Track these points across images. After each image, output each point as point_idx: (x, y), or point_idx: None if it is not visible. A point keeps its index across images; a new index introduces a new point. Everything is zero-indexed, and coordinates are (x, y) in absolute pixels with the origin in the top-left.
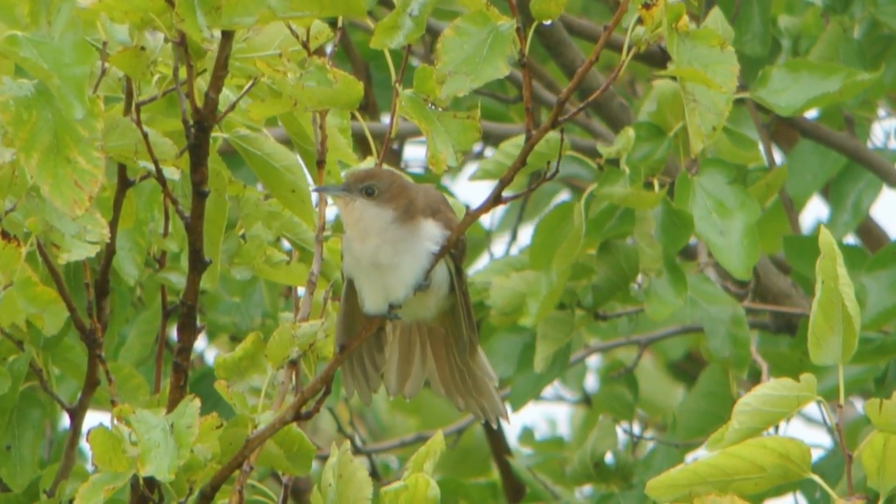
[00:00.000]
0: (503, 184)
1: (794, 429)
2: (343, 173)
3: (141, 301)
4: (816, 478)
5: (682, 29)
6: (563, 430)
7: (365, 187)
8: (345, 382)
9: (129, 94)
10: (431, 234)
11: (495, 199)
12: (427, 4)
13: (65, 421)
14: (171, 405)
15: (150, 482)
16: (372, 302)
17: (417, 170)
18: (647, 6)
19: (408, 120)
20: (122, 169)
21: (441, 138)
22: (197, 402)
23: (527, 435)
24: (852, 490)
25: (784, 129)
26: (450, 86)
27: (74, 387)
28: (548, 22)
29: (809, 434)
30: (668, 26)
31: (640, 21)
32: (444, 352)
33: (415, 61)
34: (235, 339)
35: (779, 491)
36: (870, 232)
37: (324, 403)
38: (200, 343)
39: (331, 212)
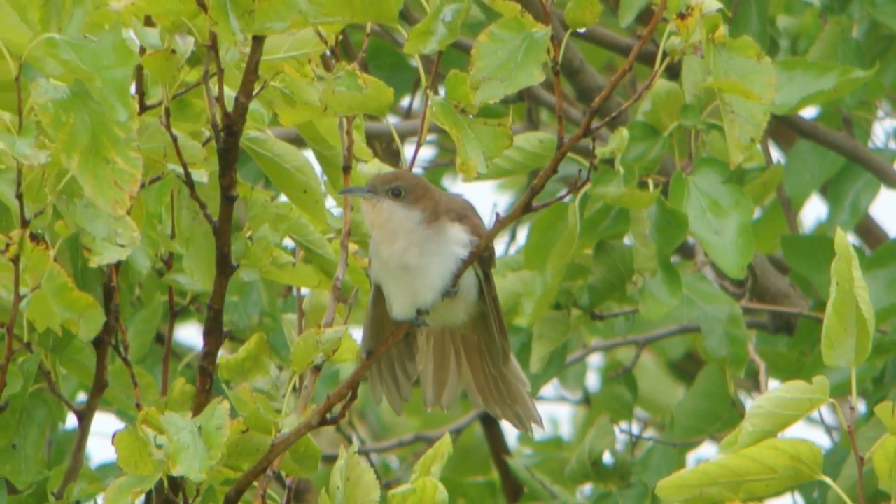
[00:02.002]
0: (533, 192)
1: (793, 428)
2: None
3: (140, 300)
4: (828, 479)
5: (718, 40)
6: (566, 430)
7: (392, 188)
8: (373, 389)
9: (142, 96)
10: (459, 238)
11: (524, 207)
12: (460, 11)
13: (66, 422)
14: (198, 409)
15: (175, 486)
16: (400, 307)
17: (416, 170)
18: (682, 16)
19: (409, 119)
20: None
21: (472, 145)
22: (226, 405)
23: (526, 435)
24: (863, 492)
25: (783, 130)
26: (484, 91)
27: (74, 386)
28: (583, 30)
29: (805, 433)
30: (706, 37)
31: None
32: (478, 361)
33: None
34: (234, 338)
35: (777, 491)
36: (870, 231)
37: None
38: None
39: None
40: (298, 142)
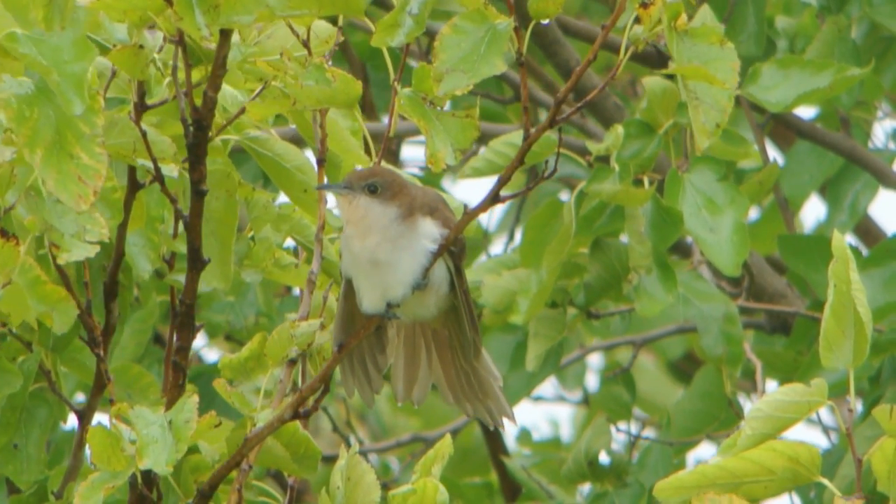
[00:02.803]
0: (501, 182)
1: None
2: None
3: (138, 301)
4: (825, 481)
5: (680, 27)
6: (566, 430)
7: (368, 185)
8: (345, 382)
9: (142, 97)
10: (429, 232)
11: (494, 198)
12: (427, 3)
13: (67, 422)
14: (170, 403)
15: (149, 481)
16: (370, 301)
17: (414, 170)
18: (644, 5)
19: (406, 119)
20: (131, 171)
21: (440, 137)
22: (195, 398)
23: (524, 436)
24: (861, 494)
25: (782, 130)
26: (447, 83)
27: (73, 384)
28: (545, 21)
29: (803, 433)
30: (668, 25)
31: (637, 20)
32: (449, 355)
33: (413, 63)
34: (231, 338)
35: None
36: (869, 232)
37: (322, 402)
38: (199, 341)
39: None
40: (297, 142)
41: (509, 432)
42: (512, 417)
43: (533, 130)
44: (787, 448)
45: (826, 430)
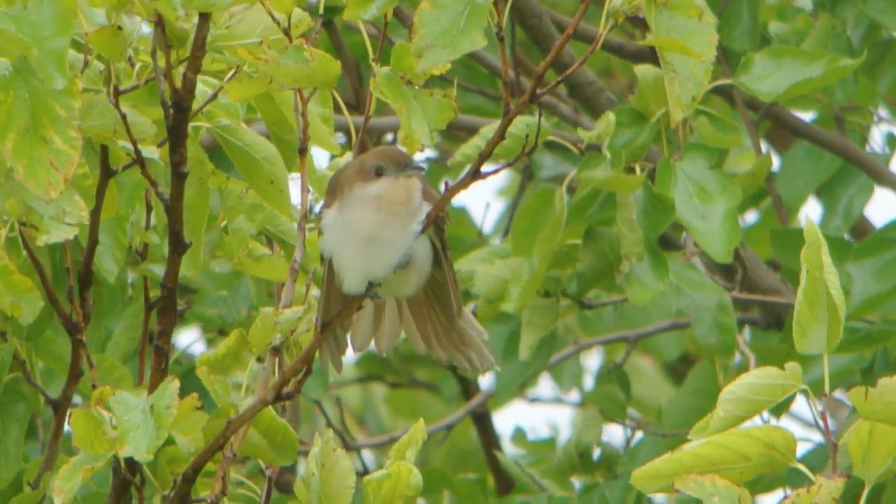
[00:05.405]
0: (482, 158)
1: (787, 424)
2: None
3: (131, 300)
4: (801, 466)
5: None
6: (565, 433)
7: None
8: (321, 358)
9: (111, 82)
10: (422, 212)
11: (474, 174)
12: None
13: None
14: (153, 388)
15: (132, 467)
16: (351, 281)
17: None
18: None
19: (390, 114)
20: (104, 157)
21: (416, 117)
22: (176, 384)
23: (519, 435)
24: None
25: (779, 133)
26: (427, 59)
27: (61, 384)
28: None
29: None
30: None
31: None
32: (425, 311)
33: None
34: (223, 332)
35: (767, 487)
36: (865, 232)
37: (316, 400)
38: (191, 337)
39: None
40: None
41: (506, 433)
42: (495, 365)
43: (512, 105)
44: (762, 434)
45: (816, 422)
